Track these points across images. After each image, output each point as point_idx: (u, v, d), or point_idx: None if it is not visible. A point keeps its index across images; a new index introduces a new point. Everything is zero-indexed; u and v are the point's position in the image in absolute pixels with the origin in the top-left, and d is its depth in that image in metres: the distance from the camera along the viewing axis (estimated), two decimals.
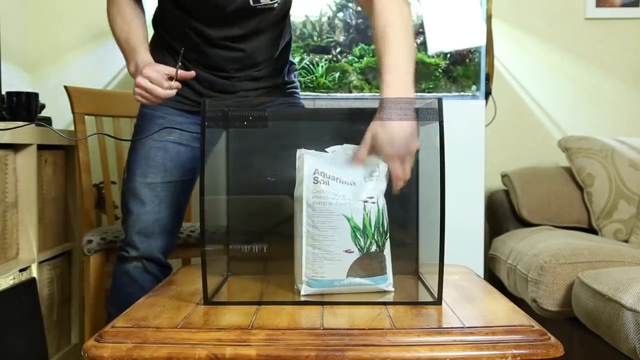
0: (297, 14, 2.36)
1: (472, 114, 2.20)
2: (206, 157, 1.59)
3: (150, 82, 1.30)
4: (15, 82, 2.30)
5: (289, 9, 1.55)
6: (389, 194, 1.12)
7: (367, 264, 1.08)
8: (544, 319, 1.77)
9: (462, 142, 2.13)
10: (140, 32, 1.44)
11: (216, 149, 1.23)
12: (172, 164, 1.50)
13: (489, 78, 2.30)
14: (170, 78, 1.32)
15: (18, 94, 1.85)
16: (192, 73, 1.38)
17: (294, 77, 1.68)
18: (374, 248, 1.08)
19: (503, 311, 1.05)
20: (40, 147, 1.89)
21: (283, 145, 1.21)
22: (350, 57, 2.35)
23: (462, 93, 2.32)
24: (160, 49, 1.54)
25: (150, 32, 1.55)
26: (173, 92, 1.33)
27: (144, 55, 1.38)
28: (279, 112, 1.39)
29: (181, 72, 1.34)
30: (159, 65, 1.35)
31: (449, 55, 2.32)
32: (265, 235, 1.26)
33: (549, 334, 0.94)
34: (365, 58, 2.33)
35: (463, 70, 2.33)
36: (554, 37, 2.62)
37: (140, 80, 1.31)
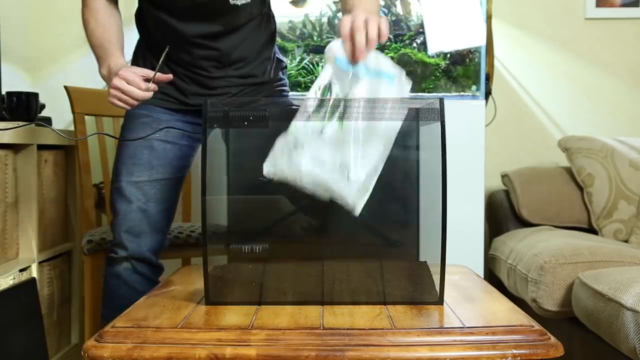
0: (297, 14, 2.36)
1: (472, 114, 2.20)
2: (193, 155, 1.58)
3: (127, 83, 1.29)
4: (15, 82, 2.29)
5: (268, 5, 1.55)
6: (389, 192, 1.12)
7: None
8: (544, 319, 1.77)
9: (462, 142, 2.13)
10: (113, 34, 1.44)
11: (216, 149, 1.23)
12: (159, 162, 1.49)
13: (489, 78, 2.30)
14: (147, 80, 1.31)
15: (18, 94, 1.85)
16: (170, 76, 1.37)
17: (283, 75, 1.66)
18: None
19: (503, 311, 1.05)
20: (40, 147, 1.89)
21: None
22: None
23: (462, 93, 2.32)
24: (143, 50, 1.54)
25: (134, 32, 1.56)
26: (150, 94, 1.32)
27: (117, 58, 1.37)
28: (279, 112, 1.39)
29: (158, 75, 1.33)
30: (134, 67, 1.35)
31: (449, 55, 2.32)
32: (266, 234, 1.26)
33: (549, 334, 0.94)
34: None
35: (463, 70, 2.33)
36: (554, 37, 2.62)
37: (117, 81, 1.29)
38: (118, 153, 1.51)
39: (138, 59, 1.57)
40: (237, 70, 1.53)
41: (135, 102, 1.32)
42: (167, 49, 1.38)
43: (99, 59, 1.41)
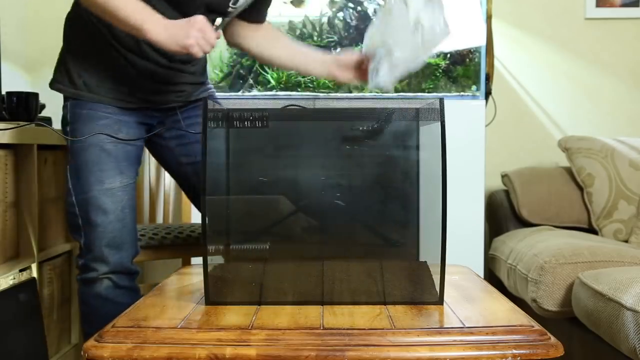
0: (297, 14, 2.36)
1: (472, 114, 2.20)
2: (139, 153, 1.51)
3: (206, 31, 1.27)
4: (15, 82, 2.29)
5: None
6: (389, 192, 1.12)
7: None
8: (544, 319, 1.77)
9: (462, 142, 2.13)
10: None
11: (216, 149, 1.23)
12: (125, 165, 1.43)
13: (489, 78, 2.30)
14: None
15: (18, 94, 1.85)
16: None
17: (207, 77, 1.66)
18: None
19: (503, 311, 1.05)
20: (40, 147, 1.89)
21: (283, 145, 1.21)
22: None
23: (462, 93, 2.32)
24: (102, 40, 1.43)
25: None
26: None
27: (164, 18, 1.30)
28: (280, 112, 1.39)
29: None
30: (195, 16, 1.30)
31: (449, 55, 2.32)
32: (266, 234, 1.26)
33: (549, 334, 0.94)
34: None
35: (463, 70, 2.33)
36: (554, 37, 2.62)
37: (198, 30, 1.25)
38: (76, 160, 1.42)
39: (96, 50, 1.45)
40: (190, 67, 1.51)
41: (209, 50, 1.29)
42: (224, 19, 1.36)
43: (143, 20, 1.27)
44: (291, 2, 2.35)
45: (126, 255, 1.42)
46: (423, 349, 0.89)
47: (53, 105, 2.23)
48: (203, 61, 1.59)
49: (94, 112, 1.43)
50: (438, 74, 2.33)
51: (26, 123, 1.71)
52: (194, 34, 1.26)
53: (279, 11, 2.33)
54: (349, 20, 2.37)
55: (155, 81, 1.48)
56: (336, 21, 2.37)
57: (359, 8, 2.35)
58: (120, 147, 1.43)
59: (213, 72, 2.35)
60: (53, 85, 1.52)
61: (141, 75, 1.45)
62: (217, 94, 1.69)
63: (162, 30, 1.27)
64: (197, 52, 1.28)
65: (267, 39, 1.59)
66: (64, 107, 1.49)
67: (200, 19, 1.28)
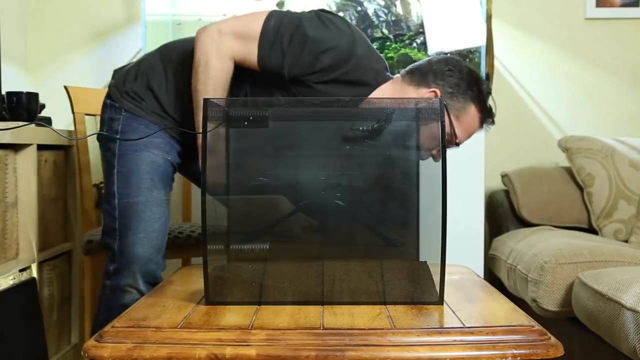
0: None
1: None
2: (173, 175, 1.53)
3: None
4: (15, 82, 2.29)
5: None
6: (389, 192, 1.12)
7: None
8: (544, 319, 1.77)
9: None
10: None
11: (216, 148, 1.23)
12: (168, 181, 1.47)
13: (489, 78, 2.29)
14: None
15: (18, 94, 1.85)
16: None
17: None
18: None
19: (503, 311, 1.05)
20: (40, 147, 1.89)
21: (282, 145, 1.21)
22: None
23: None
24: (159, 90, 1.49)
25: None
26: None
27: None
28: (279, 112, 1.39)
29: None
30: None
31: (449, 55, 2.32)
32: (266, 234, 1.26)
33: (549, 334, 0.94)
34: None
35: None
36: (554, 37, 2.62)
37: None
38: (126, 165, 1.43)
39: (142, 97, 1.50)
40: None
41: None
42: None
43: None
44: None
45: (158, 267, 1.41)
46: (423, 349, 0.89)
47: (53, 105, 2.24)
48: None
49: (145, 128, 1.45)
50: None
51: (26, 123, 1.71)
52: None
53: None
54: (348, 20, 2.37)
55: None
56: None
57: (359, 8, 2.35)
58: (168, 164, 1.47)
59: None
60: (119, 98, 1.51)
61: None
62: None
63: None
64: None
65: None
66: (117, 115, 1.49)
67: None
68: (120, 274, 1.40)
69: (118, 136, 1.47)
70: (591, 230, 2.26)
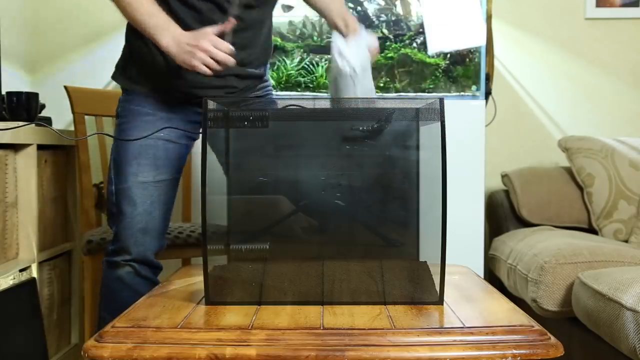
0: (297, 14, 2.36)
1: (472, 114, 2.20)
2: (188, 153, 1.55)
3: (214, 47, 1.29)
4: (15, 82, 2.29)
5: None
6: (389, 192, 1.12)
7: None
8: (544, 319, 1.77)
9: (462, 142, 2.13)
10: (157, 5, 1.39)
11: (216, 149, 1.23)
12: (162, 162, 1.48)
13: (489, 78, 2.30)
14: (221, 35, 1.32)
15: (18, 94, 1.85)
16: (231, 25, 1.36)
17: (267, 73, 1.67)
18: None
19: (503, 311, 1.05)
20: (40, 147, 1.89)
21: (283, 145, 1.21)
22: None
23: (462, 93, 2.32)
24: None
25: None
26: (232, 60, 1.32)
27: (177, 27, 1.34)
28: (279, 112, 1.39)
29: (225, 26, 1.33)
30: (205, 29, 1.32)
31: (449, 55, 2.32)
32: (266, 234, 1.26)
33: (549, 334, 0.94)
34: None
35: (463, 70, 2.33)
36: (554, 37, 2.62)
37: (206, 44, 1.28)
38: (119, 152, 1.49)
39: (140, 43, 1.48)
40: (244, 70, 1.52)
41: (220, 68, 1.31)
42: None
43: (155, 27, 1.35)
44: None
45: (149, 247, 1.47)
46: (423, 349, 0.89)
47: (53, 105, 2.24)
48: (258, 48, 1.56)
49: (140, 109, 1.49)
50: (438, 74, 2.33)
51: (26, 123, 1.71)
52: (199, 55, 1.30)
53: (279, 11, 2.33)
54: None
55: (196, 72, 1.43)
56: None
57: (359, 8, 2.35)
58: (161, 144, 1.48)
59: None
60: (113, 75, 1.59)
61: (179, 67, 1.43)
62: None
63: (172, 42, 1.33)
64: (205, 71, 1.31)
65: None
66: (119, 100, 1.56)
67: (207, 35, 1.30)
68: (114, 253, 1.48)
69: (118, 132, 1.51)
70: (591, 230, 2.26)
